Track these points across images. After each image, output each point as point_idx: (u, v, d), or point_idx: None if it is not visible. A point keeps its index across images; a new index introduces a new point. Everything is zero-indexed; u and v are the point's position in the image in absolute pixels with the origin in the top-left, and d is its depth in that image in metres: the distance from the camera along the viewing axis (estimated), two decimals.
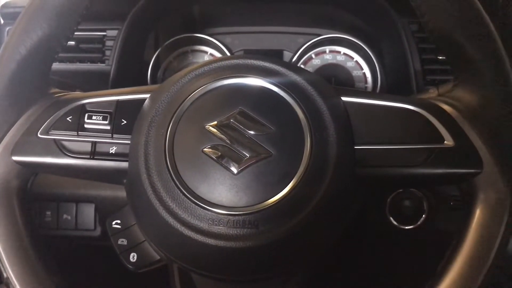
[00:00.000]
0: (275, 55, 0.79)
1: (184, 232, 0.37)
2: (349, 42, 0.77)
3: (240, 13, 0.79)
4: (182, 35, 0.78)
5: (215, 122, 0.40)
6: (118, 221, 0.45)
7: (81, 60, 0.74)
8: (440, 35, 0.41)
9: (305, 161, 0.38)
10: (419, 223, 0.62)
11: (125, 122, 0.43)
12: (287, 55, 0.79)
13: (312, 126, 0.39)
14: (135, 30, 0.70)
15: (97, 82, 0.72)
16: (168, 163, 0.39)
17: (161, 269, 0.45)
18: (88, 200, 0.64)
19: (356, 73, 0.78)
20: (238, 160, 0.38)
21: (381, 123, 0.41)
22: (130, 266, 0.44)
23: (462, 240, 0.38)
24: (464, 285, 0.37)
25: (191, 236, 0.37)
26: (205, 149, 0.39)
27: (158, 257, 0.44)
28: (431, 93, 0.47)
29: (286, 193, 0.37)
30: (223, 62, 0.43)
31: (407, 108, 0.41)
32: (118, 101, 0.44)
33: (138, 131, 0.41)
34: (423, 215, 0.63)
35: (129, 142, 0.42)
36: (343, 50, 0.78)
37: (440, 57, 0.67)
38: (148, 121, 0.41)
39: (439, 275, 0.38)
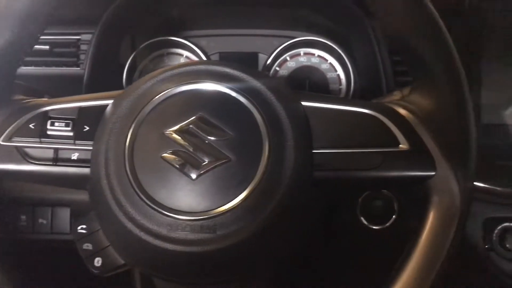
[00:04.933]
0: (250, 58, 0.79)
1: (142, 237, 0.38)
2: (323, 44, 0.77)
3: (216, 16, 0.80)
4: (157, 38, 0.78)
5: (175, 128, 0.40)
6: (84, 226, 0.46)
7: (57, 64, 0.74)
8: (395, 37, 0.42)
9: (263, 166, 0.39)
10: (389, 223, 0.63)
11: (88, 128, 0.43)
12: (262, 58, 0.79)
13: (270, 131, 0.40)
14: (108, 34, 0.71)
15: (72, 86, 0.72)
16: (128, 169, 0.39)
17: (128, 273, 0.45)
18: (64, 204, 0.65)
19: (330, 75, 0.78)
20: (196, 166, 0.39)
21: (339, 127, 0.42)
22: (95, 271, 0.44)
23: (415, 242, 0.39)
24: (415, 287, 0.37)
25: (149, 241, 0.38)
26: (164, 155, 0.39)
27: (123, 262, 0.44)
28: (395, 96, 0.48)
29: (244, 197, 0.38)
30: (184, 68, 0.43)
31: (364, 112, 0.42)
32: (81, 108, 0.44)
33: (99, 137, 0.42)
34: (394, 216, 0.64)
35: (91, 148, 0.42)
36: (317, 52, 0.79)
37: None
38: (109, 128, 0.41)
39: (393, 277, 0.39)
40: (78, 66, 0.73)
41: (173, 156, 0.39)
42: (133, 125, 0.41)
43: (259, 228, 0.38)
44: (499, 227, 0.63)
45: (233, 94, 0.41)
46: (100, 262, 0.44)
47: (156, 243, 0.38)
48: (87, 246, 0.44)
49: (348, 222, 0.64)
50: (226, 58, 0.80)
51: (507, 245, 0.62)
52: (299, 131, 0.41)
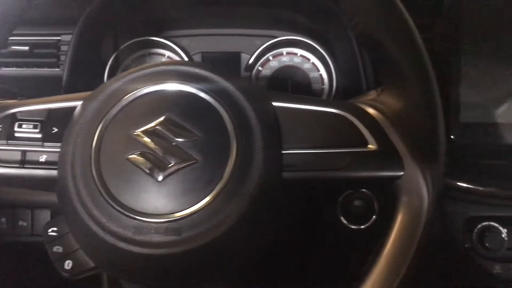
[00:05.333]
0: (233, 58, 0.79)
1: (108, 240, 0.38)
2: (305, 44, 0.77)
3: (198, 16, 0.79)
4: (138, 38, 0.78)
5: (141, 130, 0.40)
6: (55, 229, 0.45)
7: (38, 65, 0.74)
8: (365, 37, 0.42)
9: (230, 167, 0.39)
10: (369, 223, 0.63)
11: (56, 130, 0.43)
12: (244, 58, 0.79)
13: (239, 132, 0.40)
14: (87, 35, 0.70)
15: (53, 87, 0.72)
16: (94, 171, 0.39)
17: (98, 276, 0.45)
18: (44, 205, 0.64)
19: (313, 74, 0.78)
20: (162, 168, 0.39)
21: (309, 127, 0.42)
22: (65, 274, 0.44)
23: (384, 242, 0.39)
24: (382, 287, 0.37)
25: (115, 244, 0.37)
26: (130, 157, 0.39)
27: (93, 264, 0.44)
28: (369, 96, 0.48)
29: (211, 199, 0.38)
30: (152, 69, 0.43)
31: (334, 113, 0.42)
32: (50, 109, 0.44)
33: (66, 139, 0.41)
34: (374, 216, 0.64)
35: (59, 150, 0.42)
36: (300, 52, 0.79)
37: None
38: (76, 129, 0.41)
39: (363, 277, 0.39)
40: (58, 67, 0.73)
41: (139, 158, 0.39)
42: (100, 127, 0.40)
43: (226, 230, 0.37)
44: (479, 226, 0.63)
45: (201, 94, 0.41)
46: (70, 265, 0.44)
47: (122, 246, 0.37)
48: (58, 248, 0.44)
49: (329, 222, 0.64)
50: (208, 58, 0.79)
51: (487, 244, 0.62)
52: (268, 131, 0.40)
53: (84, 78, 0.74)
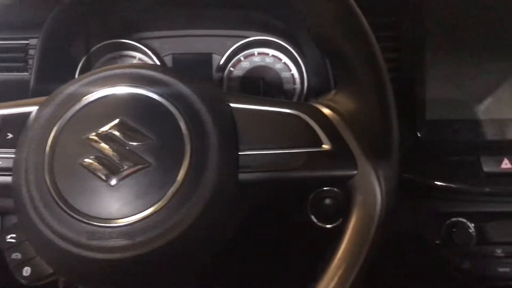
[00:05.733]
0: (204, 59, 0.79)
1: (61, 245, 0.37)
2: (277, 44, 0.77)
3: (169, 17, 0.79)
4: (109, 41, 0.78)
5: (95, 134, 0.40)
6: (14, 235, 0.45)
7: (8, 70, 0.73)
8: (321, 39, 0.42)
9: (184, 170, 0.38)
10: (338, 222, 0.63)
11: (11, 136, 0.42)
12: (216, 58, 0.79)
13: (193, 134, 0.39)
14: (54, 38, 0.70)
15: (22, 91, 0.71)
16: (47, 176, 0.39)
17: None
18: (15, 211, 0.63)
19: (284, 74, 0.78)
20: (116, 172, 0.38)
21: (265, 128, 0.42)
22: (23, 281, 0.43)
23: (339, 241, 0.39)
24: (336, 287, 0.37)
25: (68, 249, 0.37)
26: (83, 161, 0.39)
27: (51, 271, 0.44)
28: (329, 96, 0.48)
29: (164, 203, 0.38)
30: (107, 72, 0.43)
31: (290, 113, 0.42)
32: (4, 115, 0.43)
33: (21, 145, 0.41)
34: (343, 214, 0.64)
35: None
36: (271, 52, 0.78)
37: None
38: (30, 135, 0.41)
39: (319, 276, 0.39)
40: (27, 71, 0.72)
41: (92, 162, 0.39)
42: (53, 132, 0.40)
43: (179, 234, 0.37)
44: (447, 222, 0.63)
45: (156, 97, 0.41)
46: (28, 271, 0.43)
47: (76, 251, 0.37)
48: (16, 255, 0.44)
49: (299, 221, 0.64)
50: (180, 60, 0.79)
51: (455, 240, 0.62)
52: (224, 133, 0.40)
53: (53, 81, 0.73)
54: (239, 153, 0.41)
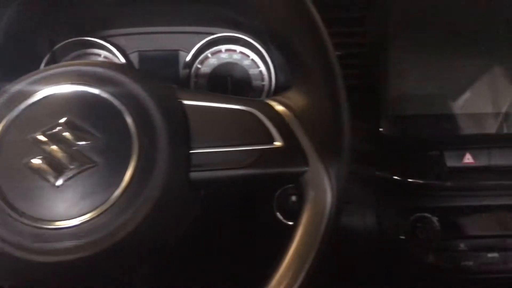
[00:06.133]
0: (171, 56, 0.78)
1: (5, 249, 0.36)
2: (244, 41, 0.77)
3: (135, 14, 0.78)
4: (73, 39, 0.76)
5: (40, 133, 0.39)
6: None
7: None
8: (274, 35, 0.41)
9: (131, 169, 0.38)
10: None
11: None
12: (183, 55, 0.78)
13: (142, 133, 0.39)
14: (14, 35, 0.68)
15: None
16: None
17: None
18: None
19: (252, 71, 0.78)
20: (61, 172, 0.38)
21: (218, 125, 0.41)
22: None
23: (291, 239, 0.39)
24: (286, 285, 0.37)
25: (13, 253, 0.36)
26: (27, 162, 0.38)
27: None
28: (285, 92, 0.48)
29: (111, 203, 0.37)
30: (54, 70, 0.42)
31: (242, 110, 0.41)
32: None
33: None
34: None
35: None
36: (239, 48, 0.78)
37: None
38: None
39: (271, 273, 0.39)
40: None
41: (37, 163, 0.38)
42: None
43: (127, 234, 0.36)
44: (412, 217, 0.63)
45: (104, 95, 0.40)
46: None
47: (20, 255, 0.36)
48: None
49: (265, 218, 0.64)
50: (146, 57, 0.78)
51: (420, 235, 0.63)
52: (174, 131, 0.39)
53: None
54: (191, 151, 0.40)
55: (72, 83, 0.40)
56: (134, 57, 0.78)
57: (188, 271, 0.61)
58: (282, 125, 0.40)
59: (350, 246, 0.66)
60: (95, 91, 0.40)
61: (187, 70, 0.77)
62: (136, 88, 0.40)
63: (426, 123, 0.62)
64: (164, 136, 0.39)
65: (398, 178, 0.62)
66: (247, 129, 0.41)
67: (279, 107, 0.42)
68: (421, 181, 0.62)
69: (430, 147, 0.63)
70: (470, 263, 0.64)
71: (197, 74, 0.77)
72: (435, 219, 0.63)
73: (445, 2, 0.64)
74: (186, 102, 0.42)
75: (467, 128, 0.62)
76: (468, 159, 0.62)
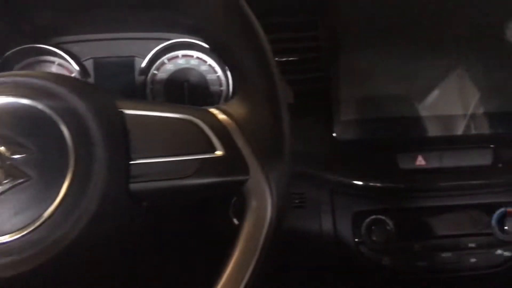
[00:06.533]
0: (127, 62, 0.77)
1: None
2: (201, 46, 0.76)
3: (89, 20, 0.76)
4: (24, 46, 0.75)
5: None
6: None
7: None
8: (215, 42, 0.41)
9: (67, 182, 0.37)
10: None
11: None
12: (139, 62, 0.77)
13: (78, 144, 0.38)
14: None
15: None
16: None
17: None
18: None
19: (210, 76, 0.77)
20: None
21: (159, 135, 0.41)
22: None
23: (233, 247, 0.39)
24: None
25: None
26: None
27: None
28: (229, 100, 0.48)
29: (46, 218, 0.36)
30: None
31: (183, 119, 0.41)
32: None
33: None
34: None
35: None
36: (196, 54, 0.77)
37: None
38: None
39: (215, 280, 0.38)
40: None
41: None
42: None
43: (64, 250, 0.36)
44: (367, 220, 0.64)
45: (40, 107, 0.39)
46: None
47: None
48: None
49: (222, 224, 0.63)
50: (101, 64, 0.77)
51: (374, 238, 0.63)
52: (112, 141, 0.39)
53: None
54: (130, 162, 0.40)
55: (7, 95, 0.39)
56: (89, 64, 0.77)
57: (140, 281, 0.60)
58: (224, 134, 0.40)
59: (306, 250, 0.66)
60: (30, 102, 0.39)
61: (143, 77, 0.76)
62: (73, 99, 0.40)
63: (379, 126, 0.63)
64: (102, 147, 0.38)
65: (352, 181, 0.63)
66: (188, 138, 0.40)
67: (221, 116, 0.41)
68: (374, 184, 0.63)
69: (383, 150, 0.63)
70: (425, 263, 0.65)
71: (153, 81, 0.77)
72: (389, 221, 0.64)
73: (396, 6, 0.65)
74: (126, 111, 0.41)
75: (419, 131, 0.63)
76: (420, 161, 0.63)
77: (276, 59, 0.66)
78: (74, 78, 0.69)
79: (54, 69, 0.77)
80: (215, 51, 0.43)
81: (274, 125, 0.40)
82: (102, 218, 0.37)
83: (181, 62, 0.78)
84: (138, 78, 0.76)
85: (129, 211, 0.40)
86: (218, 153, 0.40)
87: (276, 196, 0.39)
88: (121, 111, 0.41)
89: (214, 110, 0.43)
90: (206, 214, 0.64)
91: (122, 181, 0.39)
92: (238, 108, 0.41)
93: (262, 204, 0.39)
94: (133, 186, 0.39)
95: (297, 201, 0.65)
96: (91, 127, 0.39)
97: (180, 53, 0.77)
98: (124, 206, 0.39)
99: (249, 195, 0.40)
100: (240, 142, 0.40)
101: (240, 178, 0.39)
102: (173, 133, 0.41)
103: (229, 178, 0.40)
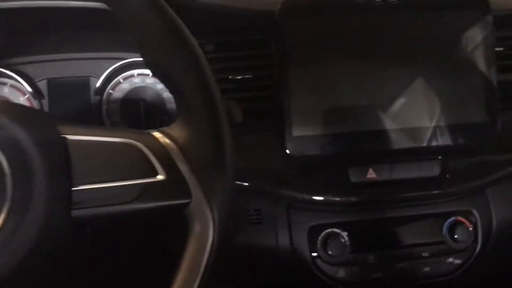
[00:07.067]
0: (81, 82, 0.76)
1: None
2: None
3: (42, 41, 0.76)
4: None
5: None
6: None
7: None
8: (155, 66, 0.42)
9: (4, 212, 0.36)
10: None
11: None
12: (94, 82, 0.77)
13: (15, 171, 0.37)
14: None
15: None
16: None
17: None
18: None
19: (166, 95, 0.78)
20: None
21: (101, 160, 0.41)
22: None
23: (175, 273, 0.39)
24: None
25: None
26: None
27: None
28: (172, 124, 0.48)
29: None
30: None
31: (125, 143, 0.41)
32: None
33: None
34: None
35: None
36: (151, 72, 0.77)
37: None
38: None
39: None
40: None
41: None
42: None
43: (2, 280, 0.35)
44: (322, 234, 0.65)
45: None
46: None
47: None
48: None
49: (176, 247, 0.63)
50: (55, 84, 0.76)
51: (329, 251, 0.64)
52: (52, 168, 0.38)
53: None
54: (72, 188, 0.39)
55: None
56: (43, 85, 0.76)
57: None
58: (165, 158, 0.40)
59: (263, 266, 0.66)
60: None
61: (99, 97, 0.76)
62: (11, 125, 0.39)
63: (330, 141, 0.64)
64: (42, 174, 0.38)
65: (306, 196, 0.64)
66: (130, 162, 0.41)
67: (163, 140, 0.42)
68: (327, 198, 0.64)
69: (335, 164, 0.65)
70: (380, 274, 0.66)
71: (109, 100, 0.76)
72: (344, 234, 0.65)
73: (343, 25, 0.66)
74: (68, 137, 0.41)
75: (369, 145, 0.65)
76: (371, 174, 0.64)
77: (230, 77, 0.69)
78: (16, 104, 0.68)
79: (6, 90, 0.76)
80: (154, 75, 0.43)
81: (215, 148, 0.40)
82: (41, 247, 0.37)
83: (136, 81, 0.78)
84: (94, 98, 0.76)
85: (71, 238, 0.40)
86: (160, 177, 0.40)
87: (218, 219, 0.39)
88: (64, 137, 0.41)
89: (157, 134, 0.43)
90: (159, 236, 0.63)
91: (63, 209, 0.39)
92: (180, 131, 0.42)
93: (204, 227, 0.39)
94: (75, 213, 0.39)
95: (254, 217, 0.65)
96: (30, 154, 0.38)
97: (135, 72, 0.78)
98: (66, 233, 0.39)
99: (191, 218, 0.40)
100: (182, 165, 0.40)
101: (182, 201, 0.40)
102: (115, 158, 0.41)
103: (171, 202, 0.40)
